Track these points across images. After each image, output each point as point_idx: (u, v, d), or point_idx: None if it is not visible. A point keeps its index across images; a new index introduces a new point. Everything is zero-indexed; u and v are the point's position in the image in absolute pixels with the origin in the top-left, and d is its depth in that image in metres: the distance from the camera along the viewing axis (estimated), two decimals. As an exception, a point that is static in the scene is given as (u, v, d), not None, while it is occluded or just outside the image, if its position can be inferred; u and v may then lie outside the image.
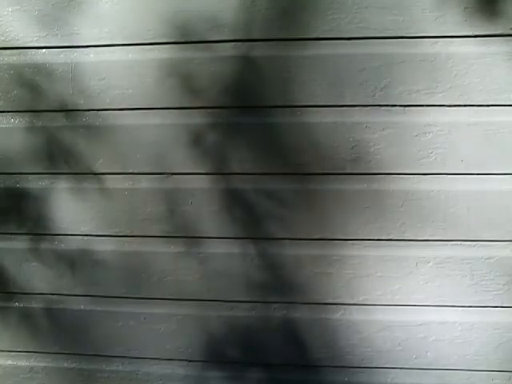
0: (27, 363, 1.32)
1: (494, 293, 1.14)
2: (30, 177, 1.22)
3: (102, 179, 1.19)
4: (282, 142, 1.13)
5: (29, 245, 1.24)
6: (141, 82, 1.14)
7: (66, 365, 1.30)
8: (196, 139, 1.15)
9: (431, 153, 1.10)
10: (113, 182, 1.19)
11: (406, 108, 1.09)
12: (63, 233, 1.23)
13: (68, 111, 1.17)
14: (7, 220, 1.24)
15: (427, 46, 1.06)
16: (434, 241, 1.13)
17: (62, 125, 1.18)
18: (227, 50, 1.11)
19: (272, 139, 1.13)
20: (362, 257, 1.16)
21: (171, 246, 1.21)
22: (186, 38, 1.12)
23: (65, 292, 1.26)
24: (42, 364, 1.31)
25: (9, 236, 1.25)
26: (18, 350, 1.31)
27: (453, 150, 1.09)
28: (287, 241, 1.17)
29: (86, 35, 1.14)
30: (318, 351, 1.21)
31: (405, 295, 1.16)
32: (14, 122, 1.20)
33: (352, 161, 1.12)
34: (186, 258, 1.21)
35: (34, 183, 1.21)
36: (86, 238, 1.23)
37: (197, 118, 1.14)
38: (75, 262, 1.24)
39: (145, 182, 1.19)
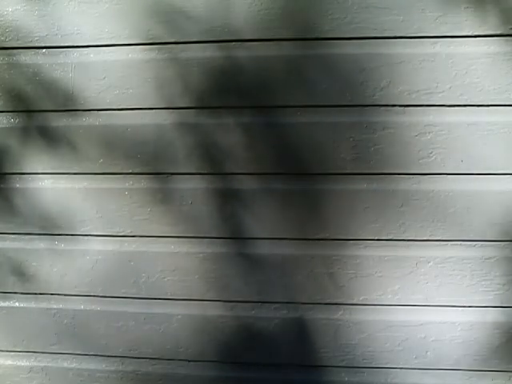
0: (27, 363, 1.32)
1: (494, 293, 1.14)
2: (30, 177, 1.22)
3: (102, 179, 1.19)
4: (281, 142, 1.13)
5: (29, 245, 1.25)
6: (141, 81, 1.14)
7: (65, 365, 1.30)
8: (195, 139, 1.15)
9: (431, 153, 1.10)
10: (113, 182, 1.19)
11: (406, 108, 1.09)
12: (63, 233, 1.23)
13: (68, 111, 1.17)
14: (7, 220, 1.24)
15: (427, 46, 1.06)
16: (434, 241, 1.13)
17: (62, 125, 1.18)
18: (227, 50, 1.11)
19: (272, 139, 1.13)
20: (362, 257, 1.16)
21: (171, 246, 1.21)
22: (186, 38, 1.12)
23: (65, 292, 1.26)
24: (42, 364, 1.31)
25: (9, 236, 1.25)
26: (18, 350, 1.31)
27: (453, 150, 1.09)
28: (287, 241, 1.17)
29: (86, 35, 1.14)
30: (318, 351, 1.21)
31: (405, 295, 1.17)
32: (14, 122, 1.20)
33: (352, 161, 1.12)
34: (186, 258, 1.21)
35: (34, 183, 1.22)
36: (85, 237, 1.23)
37: (196, 118, 1.14)
38: (75, 262, 1.24)
39: (145, 182, 1.19)
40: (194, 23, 1.11)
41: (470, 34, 1.05)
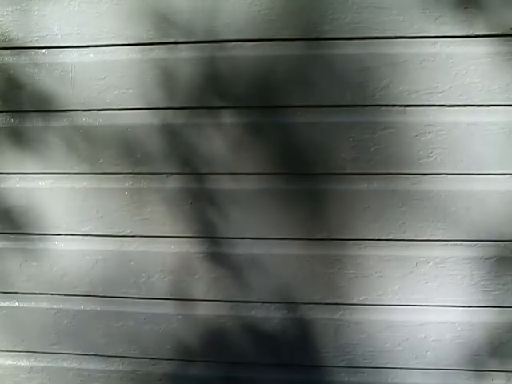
0: (27, 363, 1.32)
1: (494, 293, 1.14)
2: (30, 177, 1.22)
3: (102, 179, 1.19)
4: (282, 143, 1.13)
5: (29, 245, 1.25)
6: (141, 82, 1.14)
7: (65, 365, 1.30)
8: (195, 139, 1.15)
9: (431, 153, 1.10)
10: (113, 182, 1.19)
11: (406, 108, 1.09)
12: (63, 233, 1.23)
13: (68, 111, 1.17)
14: (7, 220, 1.24)
15: (427, 46, 1.06)
16: (434, 241, 1.13)
17: (62, 125, 1.18)
18: (227, 50, 1.11)
19: (272, 139, 1.13)
20: (362, 257, 1.16)
21: (171, 246, 1.21)
22: (186, 38, 1.12)
23: (65, 292, 1.26)
24: (42, 364, 1.31)
25: (9, 236, 1.25)
26: (18, 350, 1.31)
27: (453, 150, 1.09)
28: (287, 241, 1.17)
29: (86, 35, 1.14)
30: (318, 351, 1.21)
31: (405, 295, 1.17)
32: (14, 122, 1.20)
33: (352, 161, 1.12)
34: (186, 258, 1.21)
35: (34, 183, 1.22)
36: (85, 237, 1.23)
37: (196, 118, 1.14)
38: (75, 262, 1.24)
39: (145, 182, 1.19)
40: (194, 23, 1.11)
41: (469, 33, 1.05)
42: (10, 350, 1.32)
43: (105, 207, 1.20)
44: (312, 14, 1.08)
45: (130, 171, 1.18)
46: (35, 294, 1.27)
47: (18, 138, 1.20)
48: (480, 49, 1.05)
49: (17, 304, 1.28)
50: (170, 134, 1.16)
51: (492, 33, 1.04)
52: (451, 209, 1.11)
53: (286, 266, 1.18)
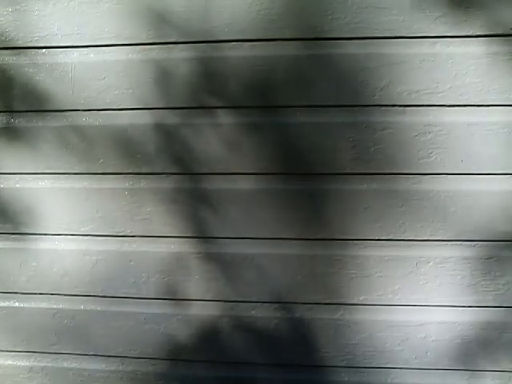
0: (27, 363, 1.32)
1: (494, 293, 1.14)
2: (30, 177, 1.22)
3: (102, 179, 1.19)
4: (281, 143, 1.13)
5: (29, 245, 1.25)
6: (141, 81, 1.14)
7: (65, 365, 1.30)
8: (195, 139, 1.15)
9: (431, 153, 1.10)
10: (113, 182, 1.19)
11: (406, 108, 1.09)
12: (63, 233, 1.23)
13: (68, 111, 1.17)
14: (7, 220, 1.24)
15: (427, 46, 1.06)
16: (434, 241, 1.13)
17: (62, 125, 1.18)
18: (227, 50, 1.11)
19: (272, 139, 1.13)
20: (362, 257, 1.16)
21: (171, 246, 1.21)
22: (186, 38, 1.12)
23: (65, 292, 1.26)
24: (42, 364, 1.31)
25: (9, 236, 1.25)
26: (18, 350, 1.31)
27: (453, 150, 1.09)
28: (287, 241, 1.17)
29: (86, 35, 1.14)
30: (318, 351, 1.21)
31: (405, 295, 1.17)
32: (14, 122, 1.20)
33: (352, 161, 1.12)
34: (186, 258, 1.21)
35: (34, 183, 1.22)
36: (85, 237, 1.23)
37: (196, 118, 1.14)
38: (75, 262, 1.24)
39: (145, 182, 1.19)
40: (194, 23, 1.11)
41: (470, 34, 1.05)
42: (10, 350, 1.32)
43: (105, 207, 1.20)
44: (312, 14, 1.08)
45: (130, 171, 1.18)
46: (35, 293, 1.27)
47: (18, 138, 1.20)
48: (480, 49, 1.05)
49: (17, 304, 1.28)
50: (171, 134, 1.16)
51: (492, 33, 1.04)
52: (451, 209, 1.11)
53: (286, 266, 1.18)
